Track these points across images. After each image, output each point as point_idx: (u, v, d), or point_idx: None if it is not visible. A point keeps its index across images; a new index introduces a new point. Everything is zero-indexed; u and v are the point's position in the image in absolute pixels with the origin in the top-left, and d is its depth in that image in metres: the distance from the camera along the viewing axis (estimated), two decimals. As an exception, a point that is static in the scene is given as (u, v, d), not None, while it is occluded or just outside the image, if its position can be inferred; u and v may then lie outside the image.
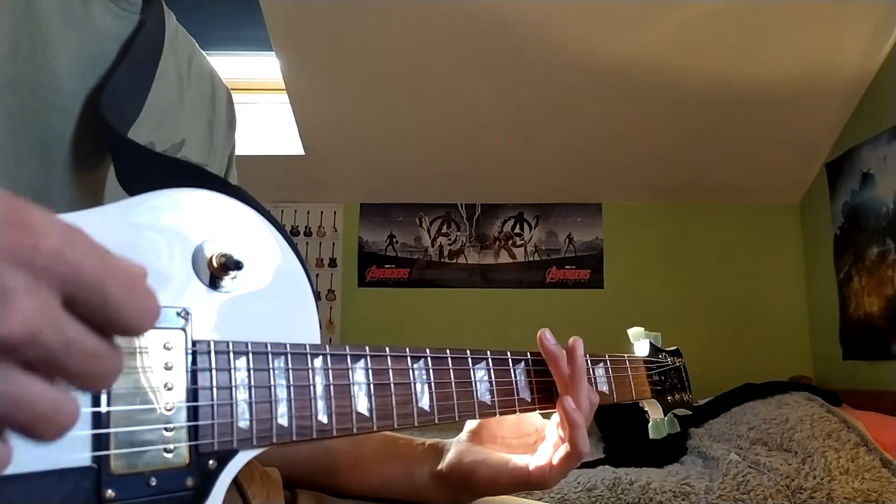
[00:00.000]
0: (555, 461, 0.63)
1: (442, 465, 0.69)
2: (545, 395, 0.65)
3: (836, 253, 2.92)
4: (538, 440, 0.68)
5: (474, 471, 0.66)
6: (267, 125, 3.02)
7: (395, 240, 3.41)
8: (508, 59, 2.63)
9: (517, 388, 0.62)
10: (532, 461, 0.64)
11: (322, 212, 3.43)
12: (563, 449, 0.63)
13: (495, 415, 0.60)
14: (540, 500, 1.97)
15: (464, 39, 2.56)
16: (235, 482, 0.61)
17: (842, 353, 2.87)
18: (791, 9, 2.38)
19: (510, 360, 0.62)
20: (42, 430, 0.27)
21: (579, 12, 2.42)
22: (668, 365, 0.84)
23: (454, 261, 3.38)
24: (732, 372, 2.78)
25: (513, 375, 0.62)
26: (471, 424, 0.71)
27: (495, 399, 0.59)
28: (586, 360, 0.68)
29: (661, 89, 2.72)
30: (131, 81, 0.56)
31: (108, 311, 0.29)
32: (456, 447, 0.70)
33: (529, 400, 0.63)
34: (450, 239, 3.40)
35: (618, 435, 2.49)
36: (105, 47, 0.56)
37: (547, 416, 0.69)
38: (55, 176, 0.51)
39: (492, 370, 0.60)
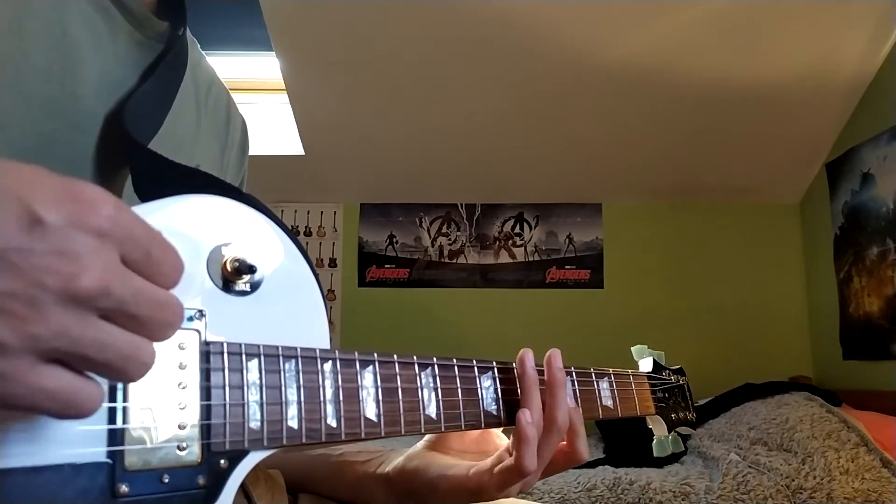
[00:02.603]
0: (495, 471, 0.59)
1: (388, 469, 0.67)
2: None
3: (836, 253, 2.92)
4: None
5: (417, 475, 0.65)
6: (267, 125, 3.02)
7: (395, 240, 3.41)
8: (508, 58, 2.63)
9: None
10: (473, 468, 0.61)
11: (322, 212, 3.44)
12: (508, 461, 0.59)
13: (501, 424, 0.60)
14: (540, 500, 1.98)
15: (464, 40, 2.56)
16: (241, 484, 0.62)
17: (842, 353, 2.87)
18: (791, 9, 2.38)
19: (515, 371, 0.62)
20: (128, 368, 0.32)
21: (580, 13, 2.42)
22: (672, 382, 0.84)
23: (454, 261, 3.39)
24: (732, 372, 2.79)
25: (518, 386, 0.62)
26: (430, 435, 0.68)
27: (501, 409, 0.60)
28: (571, 373, 0.66)
29: (661, 89, 2.72)
30: (153, 98, 0.57)
31: (152, 267, 0.33)
32: (407, 452, 0.68)
33: None
34: (450, 239, 3.41)
35: (618, 435, 2.50)
36: (127, 73, 0.57)
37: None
38: None
39: (497, 380, 0.60)
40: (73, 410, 0.31)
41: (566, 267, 3.35)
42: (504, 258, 3.38)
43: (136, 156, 0.51)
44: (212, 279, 0.42)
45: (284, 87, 2.79)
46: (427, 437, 0.69)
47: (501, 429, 0.63)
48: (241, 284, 0.43)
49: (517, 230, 3.40)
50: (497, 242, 3.40)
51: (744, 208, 3.31)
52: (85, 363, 0.31)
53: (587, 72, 2.66)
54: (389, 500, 0.67)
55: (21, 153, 0.48)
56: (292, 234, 0.47)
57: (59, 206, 0.30)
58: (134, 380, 0.33)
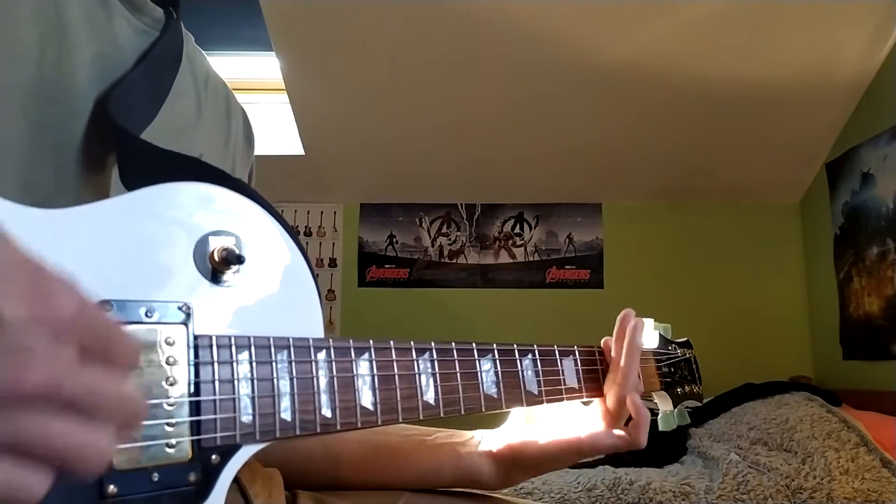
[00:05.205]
0: (611, 431, 0.69)
1: (491, 446, 0.72)
2: (552, 387, 0.65)
3: (836, 253, 2.92)
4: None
5: (525, 446, 0.70)
6: (267, 125, 3.02)
7: (395, 240, 3.41)
8: (508, 58, 2.63)
9: (524, 381, 0.62)
10: (587, 432, 0.69)
11: (322, 212, 3.43)
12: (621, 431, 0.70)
13: (501, 407, 0.60)
14: (540, 500, 1.97)
15: (464, 40, 2.56)
16: (237, 482, 0.61)
17: (842, 353, 2.86)
18: (791, 9, 2.38)
19: (516, 352, 0.62)
20: (81, 463, 0.31)
21: (580, 12, 2.42)
22: (678, 356, 0.84)
23: (454, 261, 3.38)
24: (732, 372, 2.78)
25: (519, 368, 0.62)
26: (518, 414, 0.74)
27: (501, 392, 0.59)
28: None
29: (662, 89, 2.72)
30: (144, 87, 0.56)
31: (111, 359, 0.33)
32: (504, 430, 0.74)
33: (536, 393, 0.63)
34: (450, 239, 3.40)
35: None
36: (124, 59, 0.57)
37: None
38: (67, 180, 0.51)
39: (498, 362, 0.60)
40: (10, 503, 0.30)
41: (566, 267, 3.34)
42: (504, 258, 3.38)
43: (121, 143, 0.50)
44: (199, 270, 0.41)
45: (284, 87, 2.78)
46: (518, 415, 0.74)
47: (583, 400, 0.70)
48: (230, 275, 0.42)
49: (517, 230, 3.40)
50: (497, 242, 3.39)
51: (744, 208, 3.30)
52: (35, 458, 0.30)
53: (587, 72, 2.65)
54: (496, 473, 0.72)
55: (8, 140, 0.47)
56: (284, 220, 0.46)
57: (19, 302, 0.30)
58: (89, 474, 0.32)
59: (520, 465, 0.72)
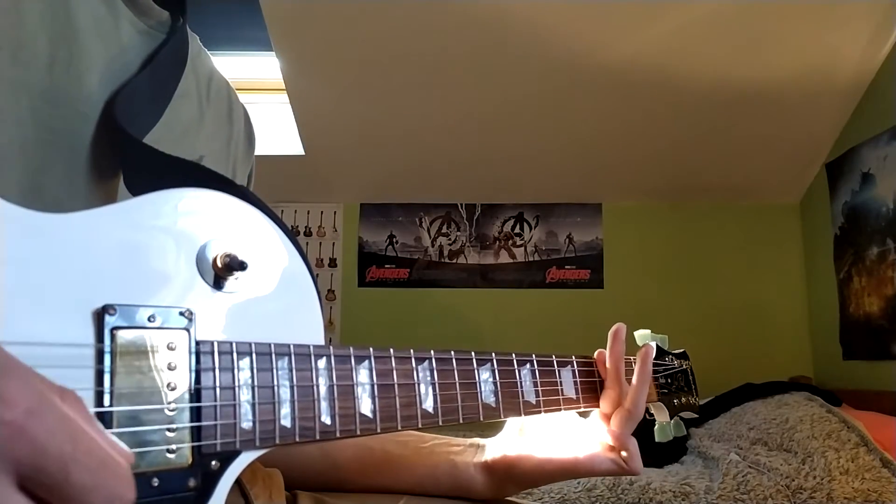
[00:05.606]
0: (609, 454, 0.69)
1: (487, 457, 0.72)
2: (550, 397, 0.65)
3: (836, 253, 2.92)
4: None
5: (521, 460, 0.70)
6: (267, 125, 3.02)
7: (395, 240, 3.41)
8: (509, 59, 2.63)
9: (522, 391, 0.62)
10: (582, 450, 0.70)
11: (322, 212, 3.43)
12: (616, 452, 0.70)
13: (499, 416, 0.60)
14: (540, 500, 1.97)
15: (464, 41, 2.56)
16: (238, 483, 0.62)
17: (842, 353, 2.87)
18: (791, 9, 2.38)
19: (515, 362, 0.62)
20: None
21: (580, 13, 2.42)
22: (675, 368, 0.84)
23: (454, 261, 3.38)
24: (732, 372, 2.78)
25: (518, 377, 0.62)
26: (513, 426, 0.74)
27: (499, 401, 0.60)
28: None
29: (661, 89, 2.71)
30: (149, 90, 0.57)
31: (69, 495, 0.27)
32: (500, 441, 0.74)
33: (534, 403, 0.63)
34: (450, 239, 3.40)
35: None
36: (129, 61, 0.57)
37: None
38: (77, 184, 0.51)
39: (496, 372, 0.60)
40: None
41: (566, 267, 3.34)
42: (504, 258, 3.38)
43: (125, 148, 0.50)
44: (202, 276, 0.41)
45: (284, 87, 2.78)
46: (512, 426, 0.74)
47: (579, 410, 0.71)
48: (233, 281, 0.42)
49: (517, 230, 3.40)
50: (497, 242, 3.39)
51: (744, 208, 3.31)
52: None
53: (587, 72, 2.65)
54: (489, 485, 0.73)
55: (17, 143, 0.47)
56: (286, 227, 0.46)
57: None
58: None
59: (514, 479, 0.72)
